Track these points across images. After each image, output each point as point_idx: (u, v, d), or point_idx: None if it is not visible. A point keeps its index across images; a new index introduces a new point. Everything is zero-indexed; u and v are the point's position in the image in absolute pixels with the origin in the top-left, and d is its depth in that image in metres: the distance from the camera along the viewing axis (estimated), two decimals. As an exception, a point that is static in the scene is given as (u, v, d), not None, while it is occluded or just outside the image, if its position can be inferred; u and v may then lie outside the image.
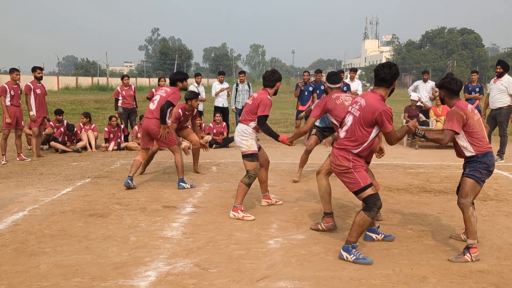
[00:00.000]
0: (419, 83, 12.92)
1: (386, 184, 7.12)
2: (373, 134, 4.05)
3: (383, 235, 4.62)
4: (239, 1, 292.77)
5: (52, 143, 10.47)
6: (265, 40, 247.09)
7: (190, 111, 7.54)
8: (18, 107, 9.16)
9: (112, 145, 10.84)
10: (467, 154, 4.22)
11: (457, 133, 4.16)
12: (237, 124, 5.68)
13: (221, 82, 12.61)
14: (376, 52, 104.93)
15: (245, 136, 5.45)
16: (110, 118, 11.33)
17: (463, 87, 10.62)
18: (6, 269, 3.86)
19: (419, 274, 3.80)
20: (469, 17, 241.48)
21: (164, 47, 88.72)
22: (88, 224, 5.11)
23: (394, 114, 9.11)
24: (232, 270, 3.86)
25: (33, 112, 9.31)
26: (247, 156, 5.42)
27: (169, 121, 6.98)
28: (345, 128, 4.18)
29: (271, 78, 5.52)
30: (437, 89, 7.65)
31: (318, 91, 11.53)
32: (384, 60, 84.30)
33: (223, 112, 12.23)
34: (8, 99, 8.96)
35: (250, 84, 12.60)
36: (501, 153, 9.31)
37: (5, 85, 9.01)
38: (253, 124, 5.46)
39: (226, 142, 11.46)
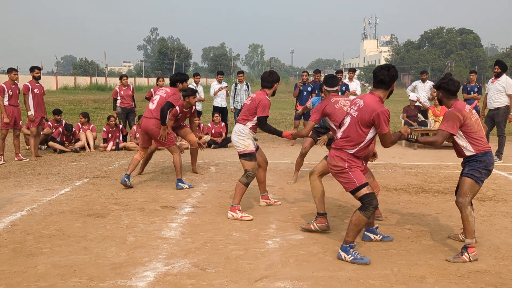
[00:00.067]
0: (417, 83, 12.90)
1: (385, 184, 7.12)
2: (369, 135, 4.07)
3: (381, 236, 4.63)
4: (238, 1, 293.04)
5: (51, 143, 10.46)
6: (264, 40, 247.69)
7: (188, 108, 7.52)
8: (16, 107, 9.15)
9: (110, 145, 10.82)
10: (467, 153, 4.23)
11: (453, 134, 4.18)
12: (235, 124, 5.68)
13: (219, 82, 12.63)
14: (375, 52, 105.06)
15: (242, 136, 5.45)
16: (108, 118, 11.32)
17: (462, 87, 10.62)
18: (4, 270, 3.85)
19: (417, 274, 3.81)
20: (468, 17, 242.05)
21: (163, 46, 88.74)
22: (86, 224, 5.10)
23: (393, 114, 9.10)
24: (230, 270, 3.86)
25: (31, 112, 9.29)
26: (244, 156, 5.42)
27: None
28: (342, 128, 4.20)
29: (269, 79, 5.53)
30: (435, 90, 7.65)
31: (316, 91, 11.53)
32: (383, 60, 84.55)
33: (222, 112, 12.23)
34: (6, 99, 8.95)
35: (248, 84, 12.61)
36: (499, 153, 9.31)
37: (3, 85, 8.99)
38: (250, 124, 5.46)
39: (225, 142, 11.45)
